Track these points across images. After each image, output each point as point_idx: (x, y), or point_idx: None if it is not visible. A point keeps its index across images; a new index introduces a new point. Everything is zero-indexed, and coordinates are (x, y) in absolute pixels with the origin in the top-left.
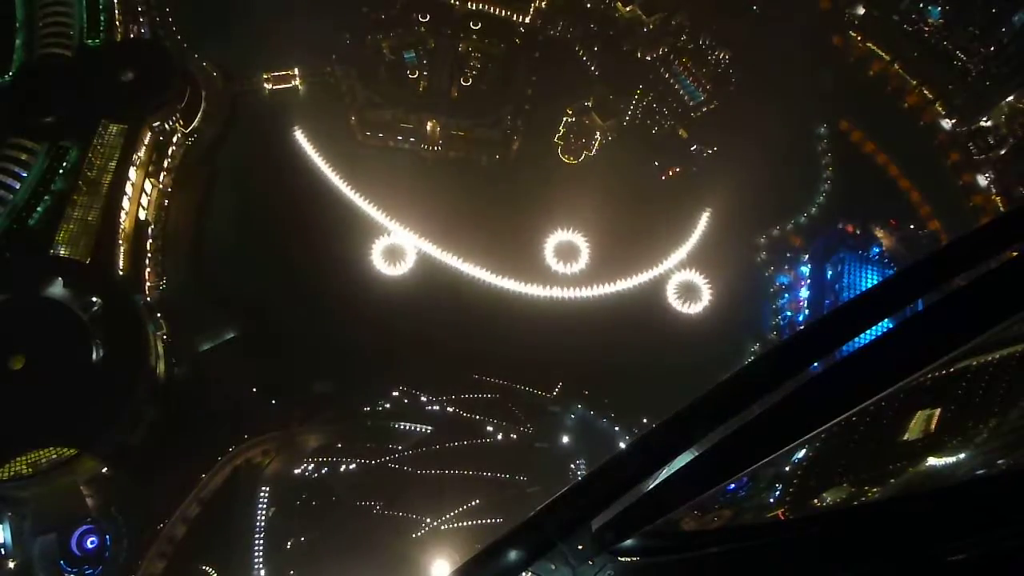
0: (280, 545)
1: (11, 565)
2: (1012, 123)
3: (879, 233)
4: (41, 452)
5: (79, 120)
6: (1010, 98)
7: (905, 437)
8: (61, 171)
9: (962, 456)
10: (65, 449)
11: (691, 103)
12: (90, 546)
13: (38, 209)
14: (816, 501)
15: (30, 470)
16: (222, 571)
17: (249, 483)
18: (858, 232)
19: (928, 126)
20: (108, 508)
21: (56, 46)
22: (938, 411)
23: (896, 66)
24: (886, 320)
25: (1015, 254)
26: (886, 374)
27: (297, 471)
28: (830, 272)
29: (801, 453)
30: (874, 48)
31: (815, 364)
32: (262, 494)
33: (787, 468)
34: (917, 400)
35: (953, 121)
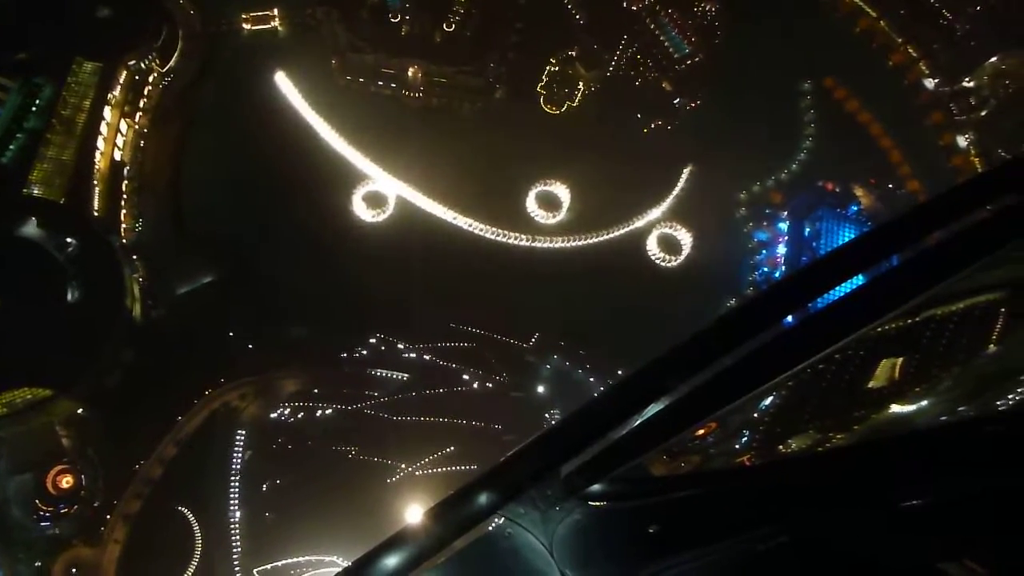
0: (256, 487)
1: None
2: (995, 84)
3: (858, 192)
4: (16, 393)
5: (53, 57)
6: (994, 59)
7: (870, 385)
8: (35, 108)
9: (924, 403)
10: (40, 390)
11: (676, 55)
12: (65, 486)
13: (11, 147)
14: (782, 447)
15: (5, 410)
16: (198, 512)
17: (226, 426)
18: (837, 190)
19: (912, 85)
20: (84, 449)
21: None
22: (902, 359)
23: (882, 23)
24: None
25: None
26: (848, 321)
27: (274, 415)
28: (808, 229)
29: (768, 400)
30: (861, 4)
31: (788, 319)
32: (239, 437)
33: (755, 415)
34: (883, 349)
35: (936, 81)
